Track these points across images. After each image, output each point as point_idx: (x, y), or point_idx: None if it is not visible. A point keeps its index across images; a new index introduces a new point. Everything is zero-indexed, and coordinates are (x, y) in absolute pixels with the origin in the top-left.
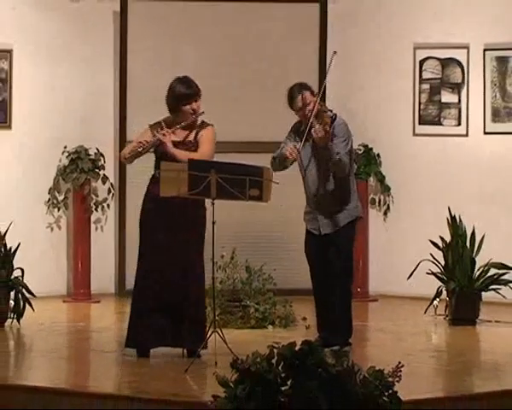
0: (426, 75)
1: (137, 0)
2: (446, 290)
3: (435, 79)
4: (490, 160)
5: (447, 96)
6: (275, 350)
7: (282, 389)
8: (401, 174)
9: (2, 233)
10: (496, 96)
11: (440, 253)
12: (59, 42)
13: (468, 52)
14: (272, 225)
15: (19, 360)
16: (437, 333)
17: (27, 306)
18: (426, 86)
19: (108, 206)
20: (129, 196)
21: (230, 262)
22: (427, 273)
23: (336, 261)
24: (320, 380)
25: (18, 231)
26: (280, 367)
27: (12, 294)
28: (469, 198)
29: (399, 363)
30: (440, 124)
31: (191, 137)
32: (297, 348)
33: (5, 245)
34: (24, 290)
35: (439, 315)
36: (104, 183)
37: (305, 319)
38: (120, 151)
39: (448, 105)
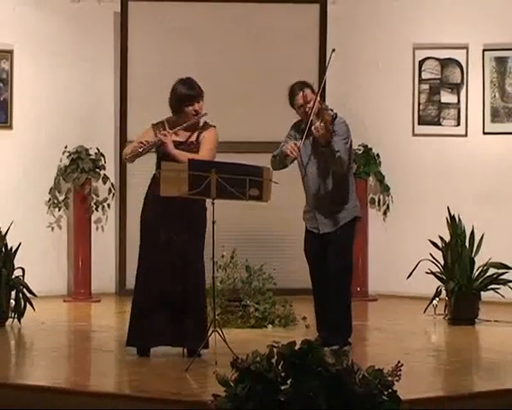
0: (425, 75)
1: (137, 0)
2: (445, 290)
3: (434, 79)
4: (489, 160)
5: (446, 97)
6: (275, 349)
7: (282, 388)
8: (400, 174)
9: (3, 233)
10: (495, 96)
11: (440, 252)
12: (60, 42)
13: (467, 52)
14: (272, 225)
15: (19, 360)
16: (436, 332)
17: (28, 305)
18: (425, 86)
19: (109, 206)
20: (129, 195)
21: (230, 262)
22: (427, 273)
23: (336, 261)
24: (320, 379)
25: (19, 230)
26: (280, 366)
27: (13, 293)
28: (468, 198)
29: (399, 362)
30: (440, 124)
31: (193, 138)
32: (297, 348)
33: (6, 245)
34: (25, 290)
35: (439, 315)
36: (105, 183)
37: (304, 318)
38: (121, 151)
39: (447, 105)
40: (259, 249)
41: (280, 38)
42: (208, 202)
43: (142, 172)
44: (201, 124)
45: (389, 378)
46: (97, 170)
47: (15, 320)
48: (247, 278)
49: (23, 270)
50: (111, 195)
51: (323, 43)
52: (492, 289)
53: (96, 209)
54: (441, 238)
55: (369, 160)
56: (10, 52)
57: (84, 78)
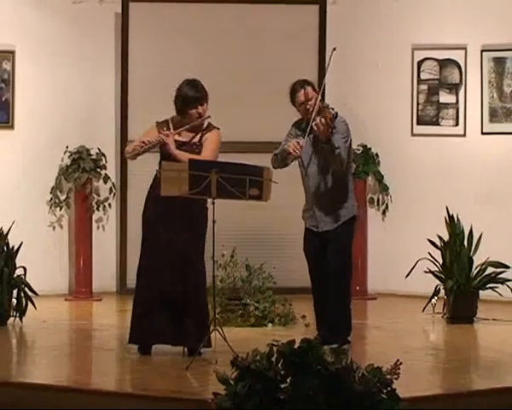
0: (424, 76)
1: (138, 1)
2: (444, 289)
3: (433, 79)
4: (487, 160)
5: (445, 97)
6: (274, 348)
7: (282, 386)
8: (399, 174)
9: (5, 232)
10: (493, 96)
11: (438, 252)
12: (61, 43)
13: (465, 53)
14: (272, 224)
15: (21, 358)
16: (435, 331)
17: (30, 304)
18: (424, 87)
19: (110, 205)
20: (130, 195)
21: (231, 261)
22: (426, 272)
23: (335, 259)
24: (319, 377)
25: (20, 230)
26: (279, 365)
27: (14, 292)
28: (467, 197)
29: (398, 361)
30: (438, 124)
31: (196, 139)
32: (296, 346)
33: (8, 244)
34: (26, 289)
35: (437, 313)
36: (106, 182)
37: (304, 317)
38: (122, 151)
39: (446, 105)
40: (259, 248)
41: (280, 39)
42: (209, 201)
43: (143, 171)
44: (205, 125)
45: (388, 377)
46: (98, 170)
47: (17, 319)
48: (247, 276)
49: (25, 269)
50: (112, 194)
51: (323, 44)
52: (491, 287)
53: (97, 209)
54: (440, 238)
55: (368, 159)
56: (12, 53)
57: (85, 78)
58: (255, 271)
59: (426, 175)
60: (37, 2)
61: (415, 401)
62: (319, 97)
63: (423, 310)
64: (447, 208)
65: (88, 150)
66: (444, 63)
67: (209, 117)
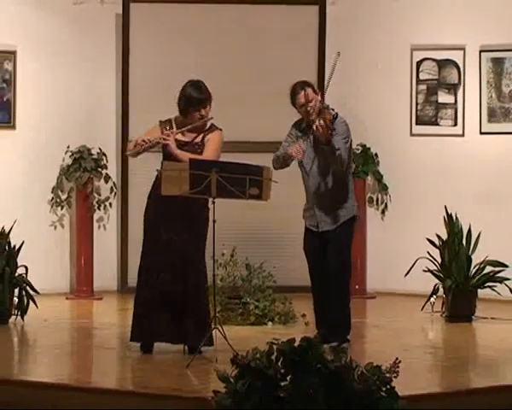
0: (423, 76)
1: (139, 2)
2: (443, 288)
3: (432, 79)
4: (486, 159)
5: (444, 97)
6: (274, 346)
7: (282, 384)
8: (398, 174)
9: (7, 231)
10: (492, 96)
11: (437, 251)
12: (62, 43)
13: (464, 53)
14: (272, 224)
15: (22, 357)
16: (433, 330)
17: (31, 303)
18: (423, 87)
19: (111, 204)
20: (131, 194)
21: (231, 260)
22: (424, 271)
23: (335, 259)
24: (319, 376)
25: (22, 229)
26: (279, 363)
27: (16, 291)
28: (465, 197)
29: (397, 359)
30: (437, 124)
31: (198, 140)
32: (296, 345)
33: (9, 243)
34: (28, 288)
35: (436, 312)
36: (107, 182)
37: (304, 315)
38: (123, 151)
39: (444, 105)
40: (259, 248)
41: (280, 39)
42: (209, 201)
43: (144, 171)
44: (208, 126)
45: (387, 375)
46: (99, 169)
47: (18, 318)
48: (247, 275)
49: (26, 268)
50: (113, 194)
51: (322, 45)
52: (489, 286)
53: (98, 208)
54: (438, 237)
55: (367, 159)
56: (13, 53)
57: (86, 78)
58: (255, 270)
59: (425, 175)
60: (38, 2)
61: (414, 399)
62: (319, 98)
63: (422, 309)
64: (446, 208)
65: (89, 150)
66: (442, 63)
67: (212, 118)
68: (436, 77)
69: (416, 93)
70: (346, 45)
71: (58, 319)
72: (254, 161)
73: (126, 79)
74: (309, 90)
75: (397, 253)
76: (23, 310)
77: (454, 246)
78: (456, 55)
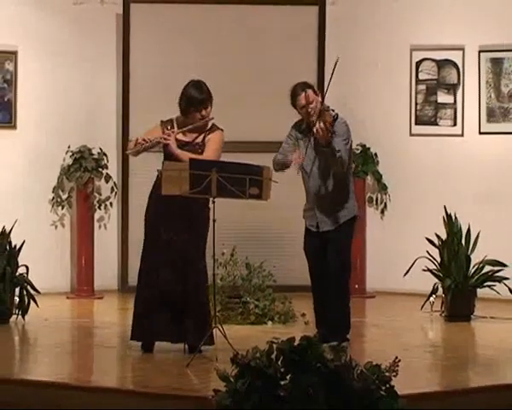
0: (422, 76)
1: (139, 2)
2: (442, 287)
3: (431, 79)
4: (485, 159)
5: (443, 97)
6: (274, 345)
7: (282, 383)
8: (398, 173)
9: (8, 231)
10: (491, 96)
11: (436, 250)
12: (63, 43)
13: (463, 53)
14: (272, 224)
15: (23, 356)
16: (433, 329)
17: (32, 302)
18: (422, 87)
19: (111, 204)
20: (131, 194)
21: (231, 259)
22: (424, 270)
23: (335, 259)
24: (319, 375)
25: (23, 228)
26: (279, 362)
27: (17, 290)
28: (465, 197)
29: (396, 358)
30: (436, 124)
31: (199, 140)
32: (296, 344)
33: (10, 243)
34: (28, 287)
35: (435, 311)
36: (107, 181)
37: (304, 315)
38: (123, 151)
39: (444, 105)
40: (259, 247)
41: (280, 40)
42: (209, 200)
43: (145, 171)
44: (209, 126)
45: (387, 374)
46: (100, 169)
47: (19, 317)
48: (247, 275)
49: (27, 267)
50: (113, 193)
51: (322, 45)
52: (488, 286)
53: (99, 208)
54: (438, 236)
55: (367, 159)
56: (14, 53)
57: (86, 78)
58: (255, 269)
59: (424, 175)
60: (38, 2)
61: (413, 398)
62: (320, 100)
63: (421, 308)
64: (445, 207)
65: (90, 150)
66: (442, 64)
67: (213, 118)
68: (435, 77)
69: (416, 93)
70: (346, 45)
71: (59, 318)
72: (254, 161)
73: (127, 79)
74: (309, 92)
75: (396, 252)
76: (24, 309)
77: (453, 246)
78: (455, 56)
